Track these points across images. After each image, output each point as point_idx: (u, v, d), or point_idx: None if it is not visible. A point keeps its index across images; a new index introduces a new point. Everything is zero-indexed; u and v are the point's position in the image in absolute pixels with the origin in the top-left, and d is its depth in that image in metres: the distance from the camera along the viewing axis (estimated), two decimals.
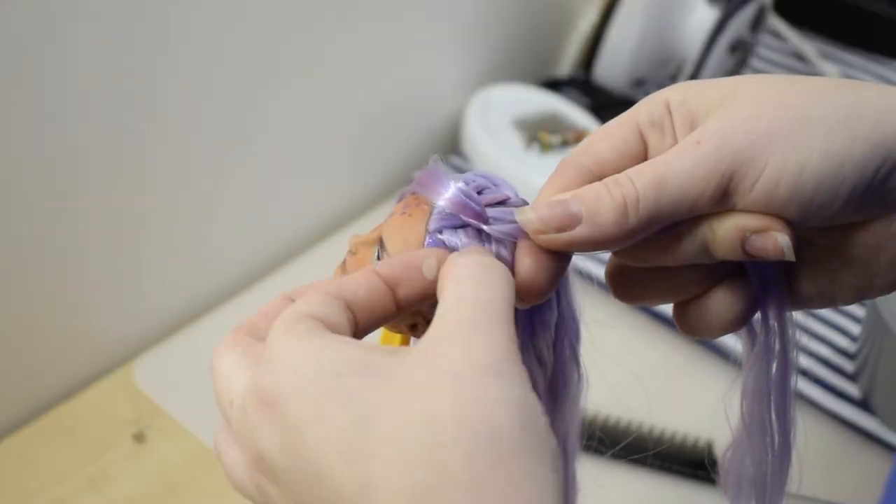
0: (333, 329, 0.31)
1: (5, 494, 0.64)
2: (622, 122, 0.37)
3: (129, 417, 0.69)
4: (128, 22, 0.62)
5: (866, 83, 0.34)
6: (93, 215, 0.67)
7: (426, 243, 0.36)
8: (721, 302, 0.37)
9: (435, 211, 0.37)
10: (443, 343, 0.29)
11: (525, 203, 0.38)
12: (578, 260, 0.38)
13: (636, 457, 0.64)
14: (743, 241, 0.34)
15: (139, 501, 0.63)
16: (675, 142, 0.36)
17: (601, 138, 0.38)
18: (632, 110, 0.37)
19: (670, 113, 0.36)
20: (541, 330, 0.38)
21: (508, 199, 0.37)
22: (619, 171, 0.36)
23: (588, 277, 0.41)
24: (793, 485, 0.64)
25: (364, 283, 0.34)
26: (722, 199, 0.34)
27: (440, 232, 0.36)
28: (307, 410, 0.28)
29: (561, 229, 0.34)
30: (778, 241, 0.33)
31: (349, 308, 0.33)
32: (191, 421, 0.68)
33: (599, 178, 0.36)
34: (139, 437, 0.67)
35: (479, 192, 0.37)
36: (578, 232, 0.34)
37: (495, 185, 0.38)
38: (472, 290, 0.31)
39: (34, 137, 0.61)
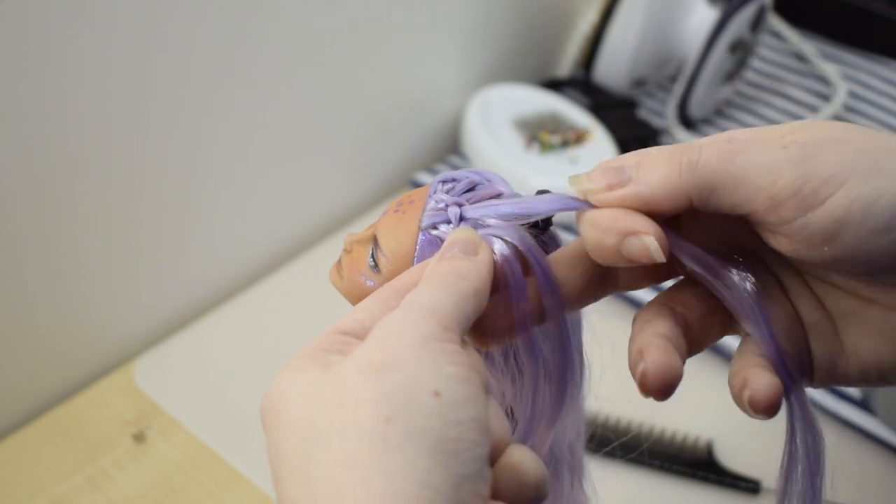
0: (363, 334, 0.33)
1: (5, 494, 0.64)
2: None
3: (129, 417, 0.69)
4: (128, 21, 0.62)
5: None
6: (92, 215, 0.67)
7: (419, 240, 0.36)
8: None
9: (427, 208, 0.37)
10: (355, 351, 0.31)
11: (518, 196, 0.38)
12: None
13: (636, 456, 0.64)
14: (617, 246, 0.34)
15: (139, 501, 0.63)
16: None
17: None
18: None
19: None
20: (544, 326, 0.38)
21: (501, 194, 0.37)
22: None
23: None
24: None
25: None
26: (781, 206, 0.32)
27: (434, 228, 0.36)
28: (266, 425, 0.31)
29: (611, 188, 0.34)
30: (644, 242, 0.33)
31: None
32: (191, 421, 0.68)
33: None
34: (139, 437, 0.67)
35: (471, 189, 0.37)
36: (628, 190, 0.33)
37: (488, 180, 0.38)
38: (420, 295, 0.32)
39: (33, 138, 0.61)
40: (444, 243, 0.35)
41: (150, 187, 0.70)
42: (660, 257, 0.33)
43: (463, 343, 0.32)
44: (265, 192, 0.79)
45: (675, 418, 0.67)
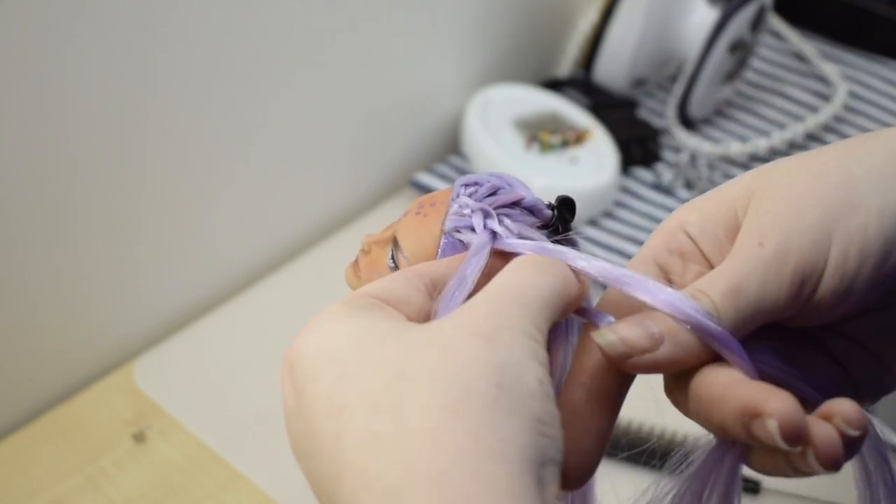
0: (398, 304, 0.32)
1: (5, 494, 0.64)
2: (637, 264, 0.36)
3: (129, 417, 0.68)
4: (128, 21, 0.62)
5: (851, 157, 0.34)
6: (93, 215, 0.67)
7: (441, 244, 0.36)
8: None
9: (450, 211, 0.37)
10: (453, 315, 0.31)
11: (539, 201, 0.38)
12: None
13: (635, 456, 0.64)
14: (747, 427, 0.32)
15: (139, 501, 0.63)
16: (707, 264, 0.35)
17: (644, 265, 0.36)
18: (643, 251, 0.36)
19: (693, 240, 0.35)
20: (571, 330, 0.38)
21: (523, 199, 0.37)
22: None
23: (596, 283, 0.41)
24: (793, 485, 0.65)
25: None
26: (799, 292, 0.33)
27: (457, 231, 0.36)
28: (307, 372, 0.30)
29: (643, 352, 0.33)
30: (768, 428, 0.31)
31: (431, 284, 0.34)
32: (191, 421, 0.68)
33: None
34: (139, 437, 0.67)
35: (493, 193, 0.37)
36: (662, 352, 0.33)
37: (509, 185, 0.38)
38: (505, 276, 0.32)
39: (33, 138, 0.61)
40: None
41: (150, 187, 0.70)
42: (783, 445, 0.31)
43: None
44: (265, 192, 0.79)
45: (675, 418, 0.67)
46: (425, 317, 0.33)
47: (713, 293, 0.33)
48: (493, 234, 0.36)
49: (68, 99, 0.61)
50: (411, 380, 0.28)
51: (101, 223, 0.68)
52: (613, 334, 0.33)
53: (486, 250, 0.35)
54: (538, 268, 0.33)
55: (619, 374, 0.34)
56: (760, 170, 0.35)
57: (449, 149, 0.92)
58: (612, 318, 0.34)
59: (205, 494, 0.64)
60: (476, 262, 0.35)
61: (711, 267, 0.35)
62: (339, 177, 0.85)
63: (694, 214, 0.35)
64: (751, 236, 0.33)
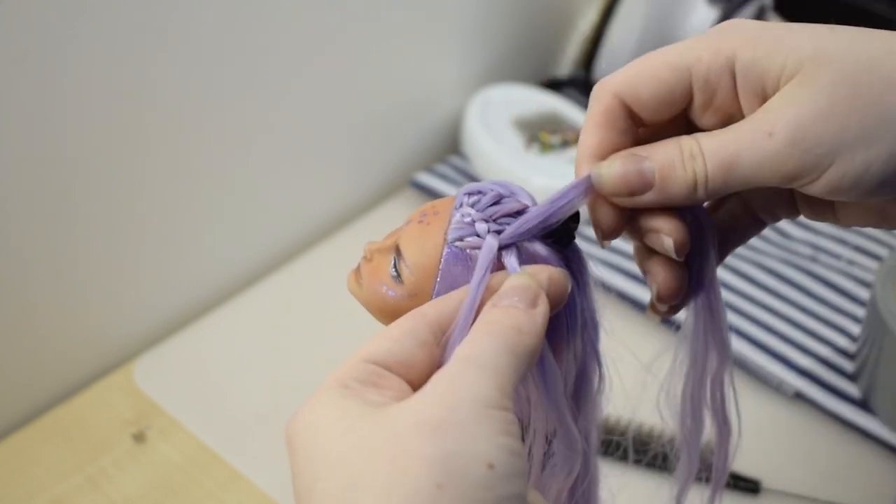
0: (399, 369, 0.32)
1: (5, 494, 0.64)
2: (674, 68, 0.36)
3: (129, 417, 0.69)
4: (128, 22, 0.62)
5: None
6: (92, 215, 0.67)
7: (444, 252, 0.36)
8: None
9: (453, 220, 0.37)
10: (410, 402, 0.30)
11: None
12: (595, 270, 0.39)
13: (636, 456, 0.64)
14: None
15: (139, 501, 0.63)
16: (725, 109, 0.36)
17: (647, 81, 0.37)
18: (688, 53, 0.36)
19: (733, 75, 0.36)
20: (573, 334, 0.38)
21: (527, 207, 0.37)
22: (652, 116, 0.37)
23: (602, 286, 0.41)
24: (793, 485, 0.65)
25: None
26: (789, 183, 0.35)
27: (460, 240, 0.36)
28: (293, 448, 0.31)
29: (633, 194, 0.35)
30: (664, 243, 0.36)
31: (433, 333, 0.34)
32: (191, 421, 0.68)
33: (632, 119, 0.37)
34: (139, 437, 0.67)
35: (496, 203, 0.37)
36: (648, 198, 0.36)
37: (513, 193, 0.38)
38: (461, 347, 0.32)
39: (34, 138, 0.61)
40: (504, 288, 0.34)
41: (150, 187, 0.70)
42: (676, 258, 0.36)
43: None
44: (265, 192, 0.79)
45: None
46: (430, 371, 0.32)
47: (710, 161, 0.35)
48: (499, 253, 0.36)
49: (68, 100, 0.61)
50: (360, 489, 0.29)
51: (102, 223, 0.68)
52: (607, 171, 0.36)
53: (485, 281, 0.35)
54: (496, 329, 0.32)
55: None
56: (829, 45, 0.37)
57: (449, 149, 0.92)
58: None
59: (205, 494, 0.64)
60: (478, 277, 0.35)
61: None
62: (339, 177, 0.85)
63: (746, 54, 0.36)
64: (765, 121, 0.34)
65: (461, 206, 0.37)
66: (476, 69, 0.91)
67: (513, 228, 0.36)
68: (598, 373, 0.40)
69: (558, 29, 0.98)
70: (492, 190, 0.37)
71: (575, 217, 0.37)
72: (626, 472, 0.65)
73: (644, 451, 0.64)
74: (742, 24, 0.37)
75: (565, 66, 0.98)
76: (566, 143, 0.85)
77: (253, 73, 0.72)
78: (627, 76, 0.37)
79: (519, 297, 0.33)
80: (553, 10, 0.97)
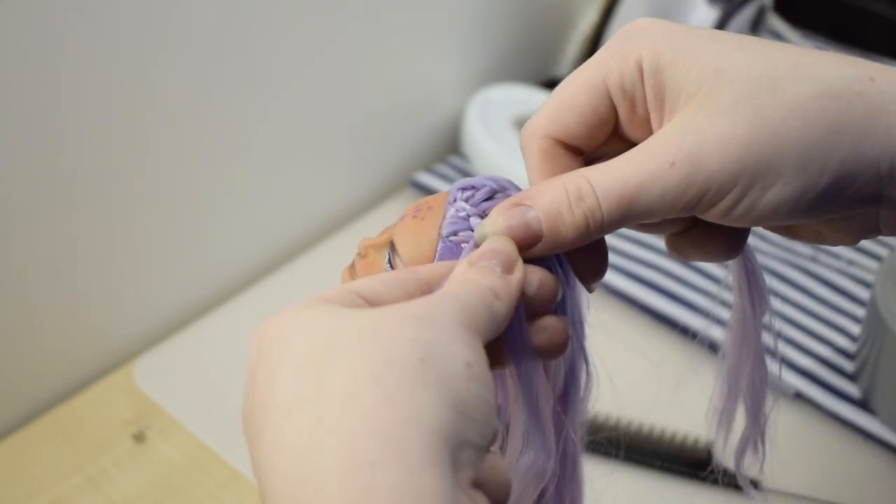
0: (379, 303, 0.32)
1: (5, 494, 0.64)
2: (591, 87, 0.36)
3: (129, 417, 0.69)
4: (127, 22, 0.62)
5: (856, 82, 0.33)
6: (92, 215, 0.67)
7: (439, 247, 0.36)
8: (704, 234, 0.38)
9: (447, 215, 0.37)
10: (397, 303, 0.31)
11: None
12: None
13: (636, 456, 0.64)
14: None
15: (139, 501, 0.63)
16: (646, 116, 0.35)
17: (570, 111, 0.36)
18: (600, 68, 0.36)
19: (642, 78, 0.35)
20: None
21: None
22: (589, 143, 0.36)
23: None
24: (793, 485, 0.65)
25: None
26: (688, 211, 0.34)
27: (454, 235, 0.36)
28: (261, 350, 0.31)
29: (524, 247, 0.34)
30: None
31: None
32: (191, 421, 0.68)
33: (571, 151, 0.36)
34: (139, 437, 0.67)
35: (490, 197, 0.37)
36: (541, 248, 0.35)
37: (506, 188, 0.38)
38: (459, 293, 0.32)
39: (33, 136, 0.61)
40: (482, 247, 0.34)
41: (149, 187, 0.70)
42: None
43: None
44: (265, 192, 0.79)
45: (675, 418, 0.67)
46: None
47: (605, 201, 0.34)
48: None
49: (68, 100, 0.61)
50: (340, 350, 0.29)
51: (102, 223, 0.68)
52: (489, 228, 0.35)
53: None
54: (472, 286, 0.33)
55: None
56: (733, 61, 0.34)
57: (449, 149, 0.92)
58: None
59: (205, 494, 0.64)
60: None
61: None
62: (339, 177, 0.85)
63: (650, 57, 0.35)
64: (666, 149, 0.33)
65: (455, 200, 0.37)
66: (476, 69, 0.91)
67: None
68: (585, 371, 0.40)
69: (558, 29, 0.98)
70: (485, 185, 0.37)
71: None
72: (617, 471, 0.65)
73: (627, 447, 0.64)
74: (648, 27, 0.36)
75: (565, 66, 0.98)
76: None
77: (253, 73, 0.72)
78: (549, 112, 0.36)
79: (497, 261, 0.34)
80: (553, 10, 0.97)
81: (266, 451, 0.29)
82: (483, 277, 0.33)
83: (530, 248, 0.35)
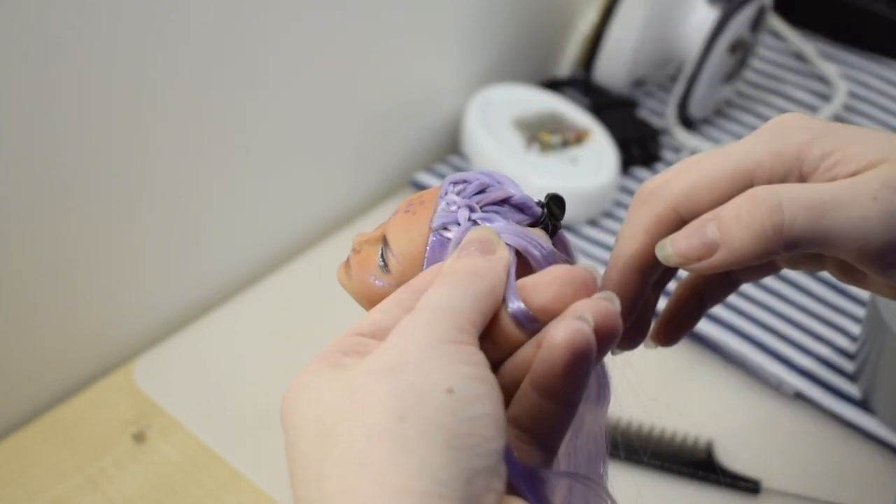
0: (385, 336, 0.32)
1: (5, 494, 0.64)
2: (734, 177, 0.35)
3: (129, 417, 0.69)
4: (127, 21, 0.62)
5: None
6: (92, 215, 0.67)
7: (430, 241, 0.36)
8: None
9: (438, 209, 0.37)
10: (372, 353, 0.31)
11: (529, 199, 0.38)
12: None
13: (636, 457, 0.64)
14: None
15: (139, 501, 0.63)
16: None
17: (705, 194, 0.36)
18: (747, 159, 0.35)
19: (801, 176, 0.35)
20: None
21: (512, 196, 0.37)
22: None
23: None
24: (793, 485, 0.65)
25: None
26: (872, 262, 0.34)
27: (445, 228, 0.36)
28: (284, 425, 0.32)
29: (700, 259, 0.34)
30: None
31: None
32: (191, 421, 0.68)
33: (682, 224, 0.36)
34: (139, 437, 0.67)
35: (481, 191, 0.37)
36: (719, 259, 0.34)
37: (498, 182, 0.38)
38: (423, 297, 0.32)
39: (33, 135, 0.61)
40: (462, 241, 0.35)
41: (149, 187, 0.70)
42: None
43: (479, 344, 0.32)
44: (265, 192, 0.79)
45: (675, 418, 0.67)
46: None
47: (792, 206, 0.33)
48: (473, 223, 0.36)
49: (68, 99, 0.61)
50: (329, 438, 0.29)
51: (102, 223, 0.68)
52: (670, 247, 0.35)
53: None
54: (451, 277, 0.33)
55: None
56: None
57: (449, 149, 0.92)
58: (521, 304, 0.33)
59: (205, 494, 0.64)
60: (452, 250, 0.35)
61: None
62: (339, 177, 0.85)
63: (818, 150, 0.35)
64: (868, 184, 0.33)
65: (446, 194, 0.37)
66: (476, 69, 0.91)
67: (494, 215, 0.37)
68: (598, 380, 0.39)
69: (558, 29, 0.98)
70: (477, 179, 0.38)
71: (561, 205, 0.38)
72: (617, 471, 0.65)
73: (627, 447, 0.64)
74: (802, 122, 0.36)
75: (565, 66, 0.98)
76: (566, 143, 0.85)
77: (253, 73, 0.72)
78: (684, 188, 0.36)
79: (476, 247, 0.34)
80: (553, 10, 0.97)
81: None
82: (461, 265, 0.33)
83: (707, 258, 0.34)
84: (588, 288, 0.33)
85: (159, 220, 0.72)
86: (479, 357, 0.31)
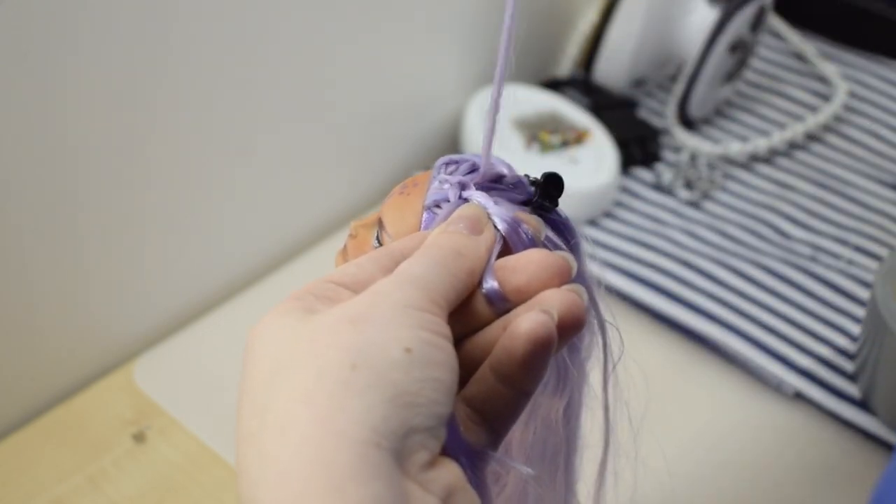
0: (356, 287, 0.33)
1: (5, 494, 0.64)
2: None
3: (129, 417, 0.69)
4: (130, 19, 0.62)
5: None
6: (93, 215, 0.67)
7: (423, 219, 0.37)
8: None
9: (431, 188, 0.38)
10: (343, 304, 0.32)
11: (522, 178, 0.38)
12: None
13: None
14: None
15: (139, 501, 0.63)
16: None
17: None
18: None
19: None
20: None
21: (504, 176, 0.38)
22: None
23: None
24: (793, 485, 0.65)
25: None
26: None
27: (437, 206, 0.37)
28: (244, 365, 0.34)
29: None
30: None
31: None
32: (191, 421, 0.68)
33: None
34: (139, 437, 0.67)
35: (473, 171, 0.38)
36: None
37: (490, 163, 0.38)
38: (416, 266, 0.33)
39: (34, 135, 0.61)
40: (451, 216, 0.35)
41: (150, 187, 0.70)
42: None
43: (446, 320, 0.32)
44: (265, 192, 0.79)
45: (675, 418, 0.67)
46: None
47: None
48: (463, 200, 0.37)
49: (69, 98, 0.61)
50: (282, 373, 0.30)
51: (102, 223, 0.68)
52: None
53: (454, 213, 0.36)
54: (435, 251, 0.33)
55: None
56: None
57: (449, 149, 0.92)
58: (495, 284, 0.34)
59: (205, 494, 0.64)
60: (440, 222, 0.36)
61: None
62: (340, 177, 0.85)
63: None
64: None
65: (439, 174, 0.38)
66: (476, 69, 0.91)
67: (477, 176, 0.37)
68: (557, 372, 0.40)
69: (558, 29, 0.98)
70: (467, 160, 0.38)
71: (558, 184, 0.38)
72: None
73: None
74: None
75: (565, 66, 0.98)
76: (566, 143, 0.85)
77: (253, 74, 0.72)
78: None
79: (464, 224, 0.35)
80: (553, 10, 0.97)
81: (238, 486, 0.31)
82: (448, 241, 0.34)
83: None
84: (563, 275, 0.34)
85: (160, 220, 0.72)
86: (444, 329, 0.31)
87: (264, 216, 0.80)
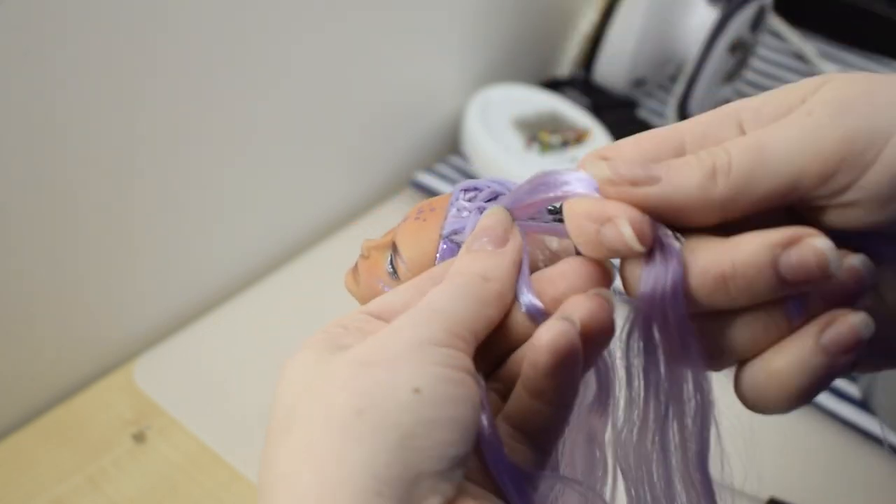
0: (391, 317, 0.32)
1: (5, 494, 0.64)
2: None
3: (129, 417, 0.69)
4: (125, 20, 0.62)
5: None
6: (92, 215, 0.67)
7: (440, 248, 0.36)
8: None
9: (449, 215, 0.37)
10: (364, 342, 0.31)
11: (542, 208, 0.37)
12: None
13: None
14: (775, 265, 0.28)
15: (139, 501, 0.63)
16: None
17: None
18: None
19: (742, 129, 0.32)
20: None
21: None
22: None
23: None
24: (793, 485, 0.65)
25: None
26: (832, 177, 0.29)
27: (455, 234, 0.36)
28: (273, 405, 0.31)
29: (635, 184, 0.30)
30: (817, 246, 0.28)
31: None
32: (191, 421, 0.68)
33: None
34: (139, 437, 0.67)
35: (493, 199, 0.37)
36: (656, 189, 0.30)
37: (510, 191, 0.38)
38: (438, 297, 0.31)
39: (31, 139, 0.61)
40: (475, 229, 0.34)
41: (149, 187, 0.70)
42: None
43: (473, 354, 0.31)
44: (265, 193, 0.79)
45: None
46: None
47: (734, 148, 0.29)
48: None
49: (66, 102, 0.61)
50: (292, 422, 0.29)
51: (101, 223, 0.68)
52: (604, 163, 0.31)
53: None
54: (459, 279, 0.32)
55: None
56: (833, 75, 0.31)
57: (449, 149, 0.92)
58: (532, 297, 0.32)
59: (205, 494, 0.64)
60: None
61: None
62: (339, 177, 0.85)
63: (749, 113, 0.32)
64: (801, 108, 0.30)
65: (457, 200, 0.37)
66: (476, 69, 0.91)
67: (507, 200, 0.36)
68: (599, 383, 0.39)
69: (558, 29, 0.98)
70: (488, 187, 0.37)
71: None
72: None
73: None
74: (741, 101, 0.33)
75: (565, 66, 0.98)
76: (566, 143, 0.85)
77: (253, 73, 0.72)
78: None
79: (488, 238, 0.33)
80: (553, 10, 0.97)
81: None
82: (472, 264, 0.32)
83: (644, 186, 0.30)
84: (602, 283, 0.32)
85: (159, 221, 0.72)
86: (462, 360, 0.30)
87: (264, 216, 0.80)
